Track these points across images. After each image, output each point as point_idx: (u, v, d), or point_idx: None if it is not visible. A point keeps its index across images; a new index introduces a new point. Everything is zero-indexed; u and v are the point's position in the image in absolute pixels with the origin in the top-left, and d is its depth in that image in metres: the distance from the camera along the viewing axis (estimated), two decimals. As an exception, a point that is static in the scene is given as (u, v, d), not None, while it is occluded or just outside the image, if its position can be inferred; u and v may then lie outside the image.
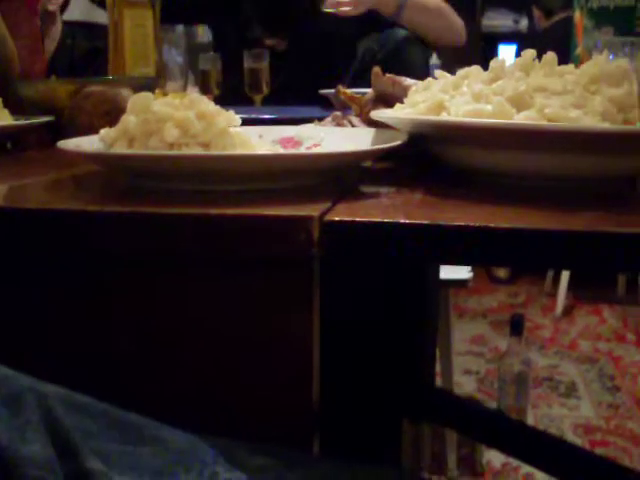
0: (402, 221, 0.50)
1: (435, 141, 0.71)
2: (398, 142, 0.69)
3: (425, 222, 0.50)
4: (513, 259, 0.53)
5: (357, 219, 0.51)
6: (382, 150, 0.69)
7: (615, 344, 2.91)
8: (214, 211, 0.55)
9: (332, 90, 1.33)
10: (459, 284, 1.85)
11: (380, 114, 0.74)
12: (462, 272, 1.83)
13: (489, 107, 0.62)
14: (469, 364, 2.70)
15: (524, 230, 0.49)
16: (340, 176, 0.72)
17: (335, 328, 0.62)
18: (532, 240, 0.50)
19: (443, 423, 1.64)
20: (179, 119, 0.68)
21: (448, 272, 1.76)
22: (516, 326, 2.12)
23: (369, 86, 0.94)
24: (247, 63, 1.75)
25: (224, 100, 1.57)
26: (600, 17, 1.52)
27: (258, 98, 1.74)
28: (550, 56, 0.71)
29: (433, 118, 0.66)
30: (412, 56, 1.88)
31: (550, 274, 3.44)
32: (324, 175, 0.69)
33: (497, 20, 4.32)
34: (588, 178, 0.64)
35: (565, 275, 3.15)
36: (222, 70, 1.77)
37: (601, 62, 0.68)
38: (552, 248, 0.50)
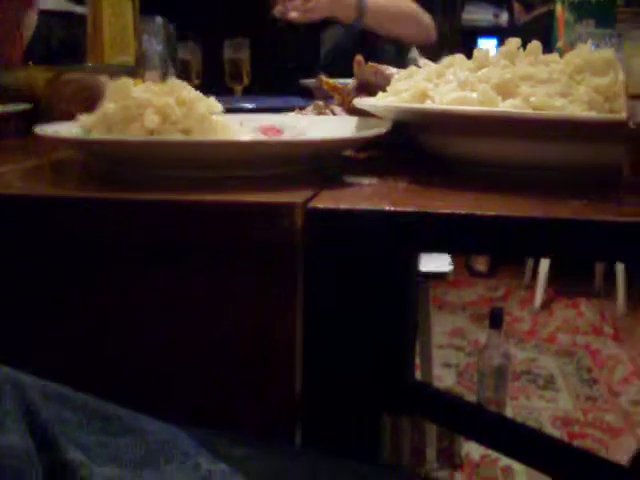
0: (388, 209, 0.49)
1: (419, 129, 0.70)
2: (381, 130, 0.68)
3: (412, 209, 0.49)
4: (499, 246, 0.53)
5: (342, 207, 0.50)
6: (365, 138, 0.68)
7: (593, 337, 2.93)
8: (193, 197, 0.54)
9: (313, 80, 1.32)
10: (439, 277, 1.84)
11: (363, 102, 0.73)
12: (443, 265, 1.82)
13: (474, 95, 0.62)
14: (448, 357, 2.71)
15: (510, 218, 0.49)
16: (322, 165, 0.71)
17: (317, 318, 0.61)
18: (518, 227, 0.50)
19: (422, 416, 1.64)
20: (159, 105, 0.67)
21: (429, 265, 1.76)
22: (495, 319, 2.12)
23: (341, 77, 0.93)
24: (227, 53, 1.73)
25: (204, 90, 1.55)
26: (581, 10, 1.53)
27: (239, 89, 1.72)
28: (535, 45, 0.71)
29: (418, 106, 0.65)
30: (383, 49, 1.86)
31: (529, 267, 3.46)
32: (306, 163, 0.68)
33: (477, 14, 4.32)
34: (573, 167, 0.63)
35: (544, 268, 3.16)
36: (202, 60, 1.75)
37: (586, 52, 0.67)
38: (539, 235, 0.50)
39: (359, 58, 0.93)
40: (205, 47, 1.78)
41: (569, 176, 0.64)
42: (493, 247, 0.54)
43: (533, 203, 0.54)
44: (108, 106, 0.68)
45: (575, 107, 0.60)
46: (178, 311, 0.61)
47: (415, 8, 1.91)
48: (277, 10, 1.72)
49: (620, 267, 3.10)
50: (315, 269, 0.56)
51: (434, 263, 1.81)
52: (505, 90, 0.63)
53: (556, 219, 0.49)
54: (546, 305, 3.24)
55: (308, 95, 1.40)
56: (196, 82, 1.73)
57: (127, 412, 0.48)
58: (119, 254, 0.60)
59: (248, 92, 1.74)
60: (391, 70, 0.89)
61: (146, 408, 0.49)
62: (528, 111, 0.60)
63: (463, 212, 0.48)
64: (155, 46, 1.78)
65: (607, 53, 0.66)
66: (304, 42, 1.89)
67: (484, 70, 0.66)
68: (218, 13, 1.90)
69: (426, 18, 1.94)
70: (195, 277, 0.59)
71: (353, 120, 0.78)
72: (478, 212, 0.48)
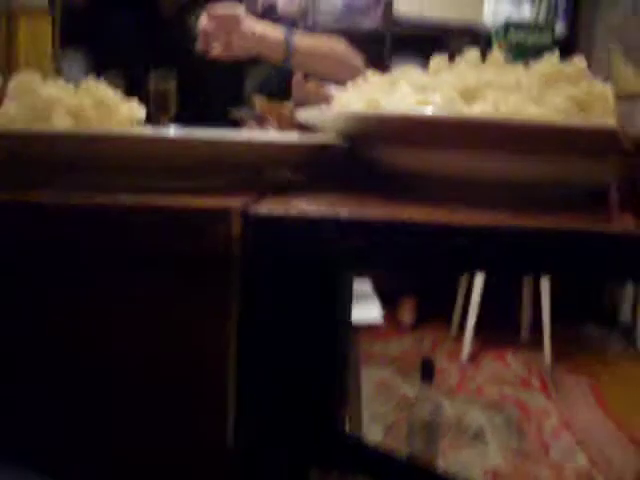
0: (349, 215, 0.41)
1: (371, 142, 0.61)
2: (329, 138, 0.60)
3: (378, 217, 0.41)
4: (475, 261, 0.45)
5: (292, 212, 0.41)
6: (313, 145, 0.59)
7: (520, 389, 2.89)
8: (107, 201, 0.44)
9: (243, 109, 1.25)
10: (368, 327, 1.79)
11: (309, 114, 0.64)
12: (372, 315, 1.77)
13: (437, 98, 0.54)
14: (376, 412, 2.62)
15: (499, 227, 0.41)
16: (260, 178, 0.62)
17: (250, 346, 0.51)
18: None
19: (352, 471, 1.56)
20: (72, 105, 0.57)
21: (358, 315, 1.69)
22: (427, 371, 2.05)
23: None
24: (152, 84, 1.63)
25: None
26: (518, 51, 1.52)
27: (164, 119, 1.62)
28: (497, 55, 0.64)
29: (379, 113, 0.56)
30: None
31: (456, 319, 3.42)
32: (242, 169, 0.58)
33: (404, 64, 4.34)
34: (557, 183, 0.55)
35: (471, 319, 3.13)
36: (126, 90, 1.65)
37: (554, 62, 0.61)
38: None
39: (299, 76, 0.86)
40: (130, 77, 1.69)
41: (550, 193, 0.56)
42: (471, 262, 0.46)
43: (501, 215, 0.46)
44: (9, 105, 0.58)
45: (552, 116, 0.53)
46: (88, 337, 0.50)
47: (345, 50, 1.86)
48: (199, 46, 1.64)
49: (546, 317, 3.09)
50: (253, 286, 0.47)
51: (363, 313, 1.75)
52: (470, 96, 0.55)
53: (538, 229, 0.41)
54: (474, 357, 3.19)
55: (237, 127, 1.32)
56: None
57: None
58: (26, 264, 0.49)
59: (174, 123, 1.65)
60: (334, 90, 0.82)
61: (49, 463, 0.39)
62: (518, 118, 0.51)
63: (442, 220, 0.40)
64: (77, 74, 1.68)
65: (579, 62, 0.60)
66: (227, 77, 1.82)
67: (444, 76, 0.58)
68: (143, 43, 1.81)
69: (357, 61, 1.89)
70: (109, 296, 0.49)
71: (295, 135, 0.69)
72: (457, 221, 0.40)
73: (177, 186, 0.54)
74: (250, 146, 0.54)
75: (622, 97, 0.47)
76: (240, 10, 1.64)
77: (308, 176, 0.68)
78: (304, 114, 0.65)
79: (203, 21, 1.63)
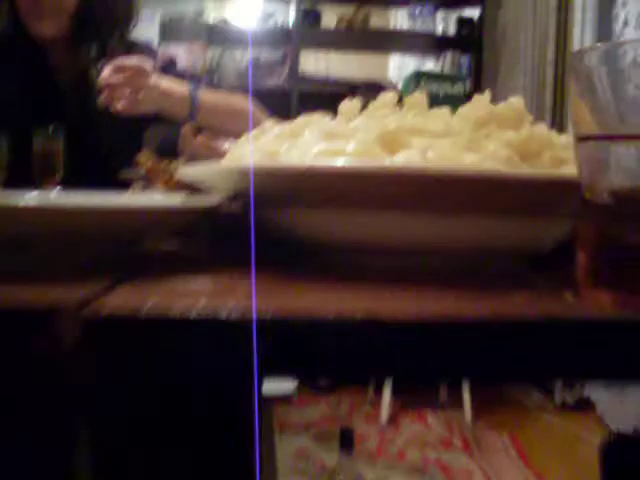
0: (235, 315, 0.28)
1: (265, 203, 0.49)
2: (214, 200, 0.47)
3: (269, 314, 0.29)
4: (412, 369, 0.33)
5: (145, 312, 0.29)
6: (187, 210, 0.47)
7: (443, 451, 2.79)
8: None
9: (133, 170, 1.12)
10: (284, 399, 1.67)
11: (194, 171, 0.52)
12: (286, 386, 1.66)
13: (351, 146, 0.42)
14: (294, 482, 2.47)
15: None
16: (127, 250, 0.49)
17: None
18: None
19: None
20: None
21: (272, 386, 1.57)
22: (346, 441, 1.93)
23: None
24: (37, 144, 1.48)
25: (11, 186, 1.32)
26: (431, 102, 1.44)
27: (50, 183, 1.47)
28: (417, 97, 0.54)
29: (271, 165, 0.45)
30: None
31: (373, 381, 3.31)
32: (102, 242, 0.45)
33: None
34: (499, 248, 0.44)
35: (388, 381, 3.02)
36: (9, 151, 1.50)
37: (486, 103, 0.51)
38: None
39: (187, 129, 0.74)
40: (13, 137, 1.53)
41: (493, 262, 0.45)
42: (409, 370, 0.34)
43: (431, 300, 0.35)
44: None
45: (492, 165, 0.42)
46: None
47: (248, 106, 1.77)
48: (102, 99, 1.51)
49: (465, 376, 3.02)
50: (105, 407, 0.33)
51: (278, 384, 1.63)
52: (391, 144, 0.44)
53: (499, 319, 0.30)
54: (393, 420, 3.08)
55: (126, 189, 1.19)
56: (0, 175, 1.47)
57: None
58: None
59: (61, 187, 1.50)
60: (227, 146, 0.70)
61: None
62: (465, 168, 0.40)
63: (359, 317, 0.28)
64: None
65: (517, 102, 0.50)
66: (125, 136, 1.69)
67: (357, 120, 0.47)
68: (27, 99, 1.67)
69: (264, 117, 1.80)
70: None
71: (178, 197, 0.57)
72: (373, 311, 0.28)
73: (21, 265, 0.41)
74: (110, 215, 0.41)
75: (582, 139, 0.37)
76: (148, 64, 1.52)
77: (188, 246, 0.55)
78: (189, 171, 0.53)
79: (106, 73, 1.50)
